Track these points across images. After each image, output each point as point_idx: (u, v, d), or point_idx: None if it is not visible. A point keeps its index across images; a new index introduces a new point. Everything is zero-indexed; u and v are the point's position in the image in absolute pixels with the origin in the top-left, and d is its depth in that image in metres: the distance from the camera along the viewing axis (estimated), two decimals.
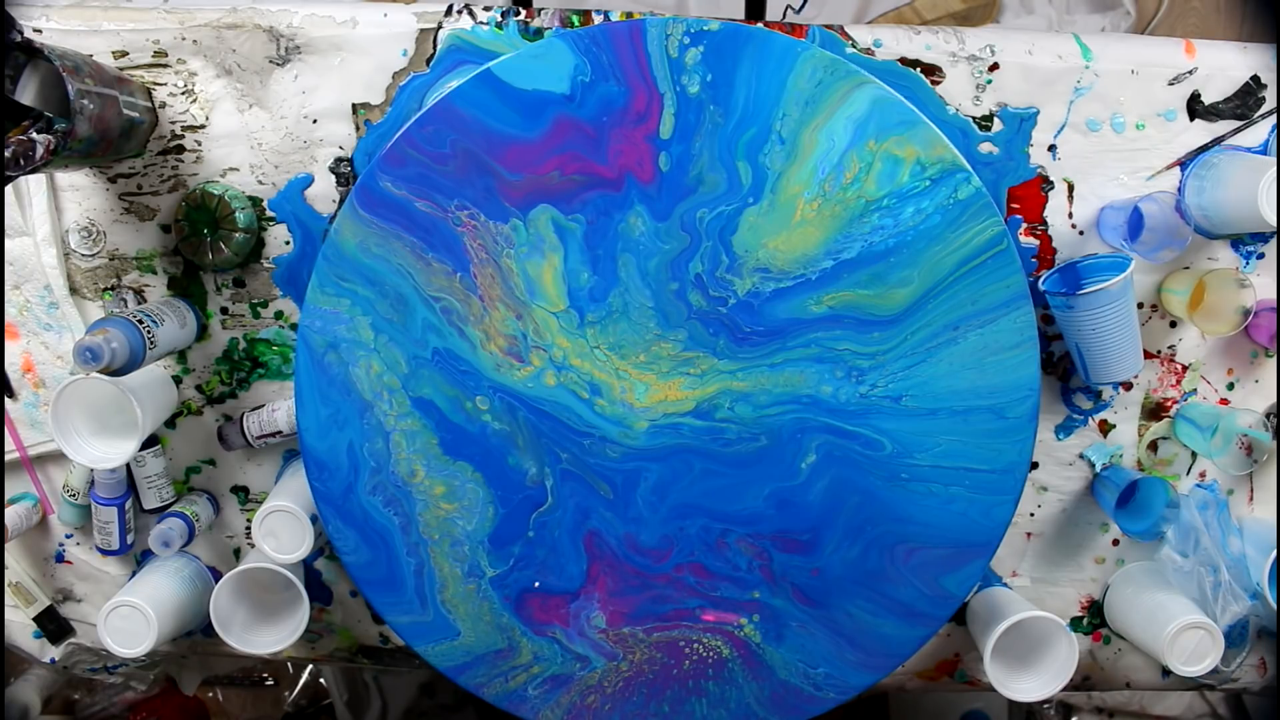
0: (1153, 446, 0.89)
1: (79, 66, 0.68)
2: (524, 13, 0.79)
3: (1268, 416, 0.86)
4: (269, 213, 0.82)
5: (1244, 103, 0.82)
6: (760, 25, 0.74)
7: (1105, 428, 0.88)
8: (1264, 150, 0.83)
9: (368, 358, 0.73)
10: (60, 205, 0.82)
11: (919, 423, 0.72)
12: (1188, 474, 0.90)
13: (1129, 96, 0.81)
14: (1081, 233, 0.83)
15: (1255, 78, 0.82)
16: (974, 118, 0.80)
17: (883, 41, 0.79)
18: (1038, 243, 0.83)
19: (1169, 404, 0.88)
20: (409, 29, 0.78)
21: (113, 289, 0.84)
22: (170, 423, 0.86)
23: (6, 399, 0.85)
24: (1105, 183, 0.82)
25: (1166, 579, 0.86)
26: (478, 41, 0.78)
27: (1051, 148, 0.82)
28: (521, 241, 0.71)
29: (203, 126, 0.80)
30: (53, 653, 0.93)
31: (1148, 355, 0.86)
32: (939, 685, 0.95)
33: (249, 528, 0.90)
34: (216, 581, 0.82)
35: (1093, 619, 0.93)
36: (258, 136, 0.80)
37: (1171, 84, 0.81)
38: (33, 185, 0.80)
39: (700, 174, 0.70)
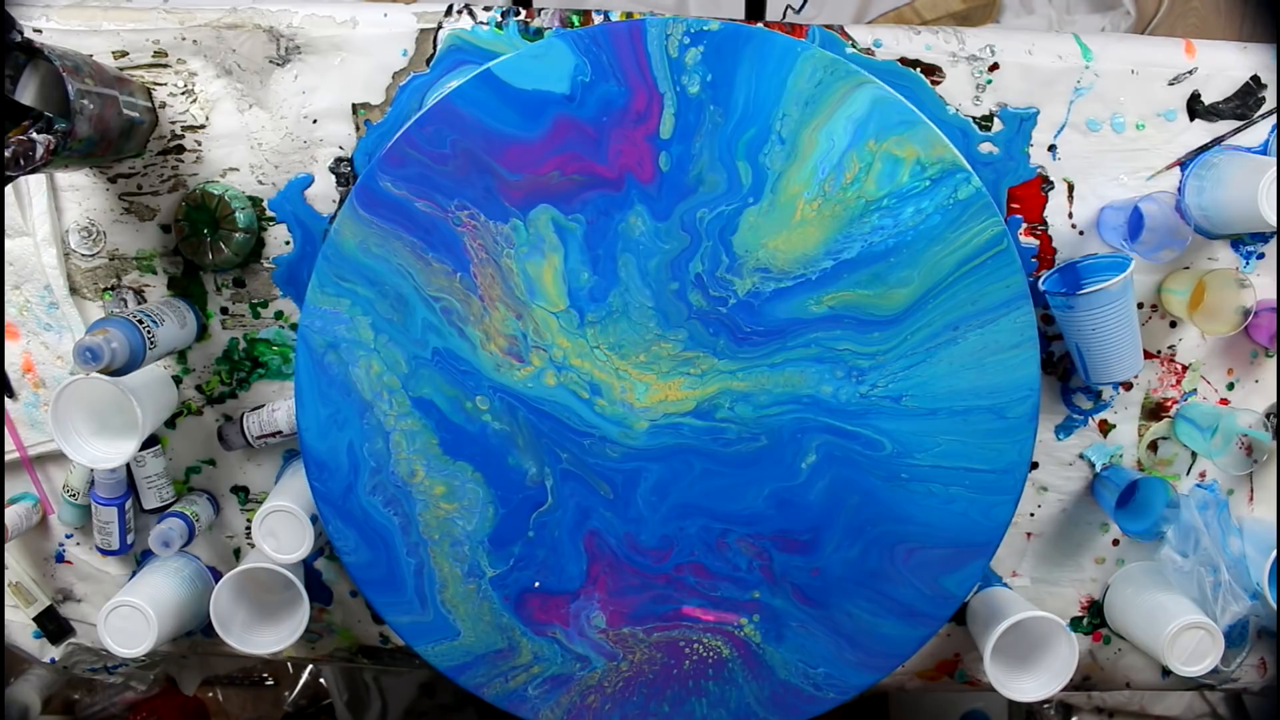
0: (1153, 446, 0.89)
1: (79, 66, 0.68)
2: (524, 13, 0.79)
3: (1268, 416, 0.86)
4: (269, 213, 0.82)
5: (1244, 103, 0.82)
6: (760, 25, 0.74)
7: (1105, 428, 0.88)
8: (1264, 150, 0.83)
9: (368, 358, 0.73)
10: (60, 205, 0.82)
11: (919, 423, 0.72)
12: (1188, 474, 0.90)
13: (1129, 96, 0.81)
14: (1081, 233, 0.83)
15: (1255, 78, 0.82)
16: (974, 118, 0.80)
17: (883, 41, 0.79)
18: (1038, 243, 0.83)
19: (1169, 404, 0.88)
20: (409, 29, 0.78)
21: (113, 289, 0.84)
22: (170, 423, 0.86)
23: (6, 399, 0.85)
24: (1105, 183, 0.82)
25: (1166, 579, 0.86)
26: (478, 41, 0.78)
27: (1051, 148, 0.81)
28: (521, 241, 0.71)
29: (203, 126, 0.80)
30: (53, 653, 0.93)
31: (1148, 355, 0.85)
32: (939, 685, 0.95)
33: (249, 528, 0.90)
34: (216, 581, 0.82)
35: (1093, 619, 0.93)
36: (258, 136, 0.80)
37: (1171, 84, 0.81)
38: (33, 185, 0.80)
39: (700, 174, 0.70)
